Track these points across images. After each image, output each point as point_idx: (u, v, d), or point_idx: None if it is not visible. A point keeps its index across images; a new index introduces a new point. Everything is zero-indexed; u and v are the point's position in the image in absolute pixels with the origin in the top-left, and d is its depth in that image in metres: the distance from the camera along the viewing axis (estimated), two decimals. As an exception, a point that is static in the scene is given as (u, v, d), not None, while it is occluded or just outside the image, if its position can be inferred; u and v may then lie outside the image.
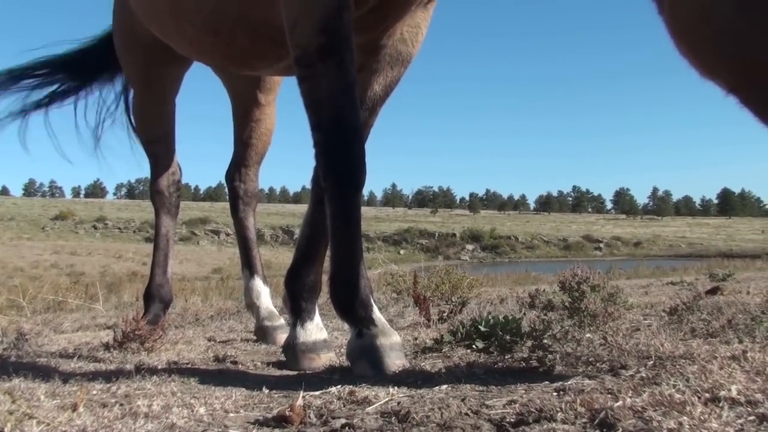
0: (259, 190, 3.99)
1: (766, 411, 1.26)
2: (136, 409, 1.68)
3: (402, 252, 60.82)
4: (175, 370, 2.40)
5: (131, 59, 3.77)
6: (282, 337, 3.18)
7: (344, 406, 1.67)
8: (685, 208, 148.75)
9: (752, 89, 1.33)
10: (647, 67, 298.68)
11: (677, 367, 1.70)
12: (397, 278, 6.53)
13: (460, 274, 5.72)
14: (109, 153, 4.28)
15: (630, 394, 1.45)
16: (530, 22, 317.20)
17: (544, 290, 4.56)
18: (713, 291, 4.80)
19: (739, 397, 1.36)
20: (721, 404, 1.32)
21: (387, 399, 1.68)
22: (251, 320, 3.87)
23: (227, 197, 4.05)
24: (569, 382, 1.69)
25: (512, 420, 1.40)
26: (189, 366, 2.66)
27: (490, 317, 2.41)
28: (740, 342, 2.12)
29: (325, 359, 2.54)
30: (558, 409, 1.38)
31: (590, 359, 2.00)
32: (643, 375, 1.69)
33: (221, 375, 2.43)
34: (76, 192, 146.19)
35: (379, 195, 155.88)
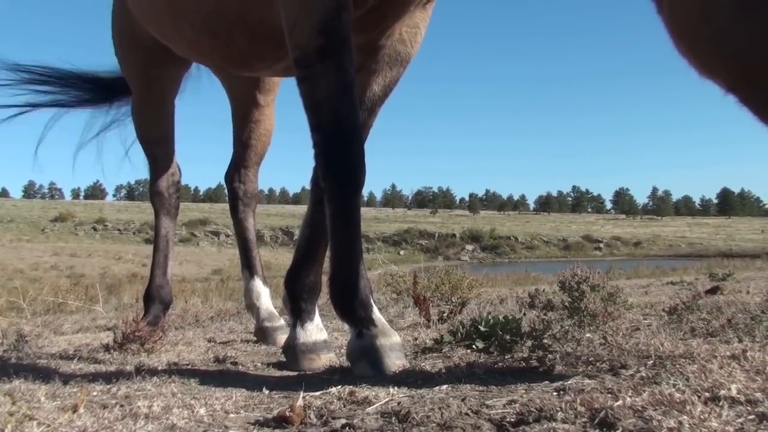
0: (258, 191, 3.99)
1: (765, 410, 1.26)
2: (137, 410, 1.68)
3: (402, 252, 60.76)
4: (176, 371, 2.40)
5: (130, 60, 3.77)
6: (282, 337, 3.18)
7: (344, 407, 1.67)
8: (685, 208, 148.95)
9: (752, 88, 1.33)
10: (647, 67, 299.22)
11: (677, 366, 1.70)
12: (396, 279, 6.52)
13: (460, 274, 5.72)
14: (109, 153, 4.33)
15: (630, 394, 1.45)
16: (530, 23, 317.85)
17: (543, 290, 4.57)
18: (713, 291, 4.81)
19: (738, 396, 1.36)
20: (721, 403, 1.32)
21: (387, 399, 1.68)
22: (251, 321, 3.87)
23: (227, 198, 4.04)
24: (569, 382, 1.68)
25: (512, 420, 1.40)
26: (189, 367, 2.66)
27: (490, 317, 2.41)
28: (740, 341, 2.12)
29: (325, 360, 2.55)
30: (558, 409, 1.38)
31: (590, 359, 2.00)
32: (643, 374, 1.68)
33: (221, 376, 2.43)
34: (75, 194, 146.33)
35: (378, 195, 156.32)
